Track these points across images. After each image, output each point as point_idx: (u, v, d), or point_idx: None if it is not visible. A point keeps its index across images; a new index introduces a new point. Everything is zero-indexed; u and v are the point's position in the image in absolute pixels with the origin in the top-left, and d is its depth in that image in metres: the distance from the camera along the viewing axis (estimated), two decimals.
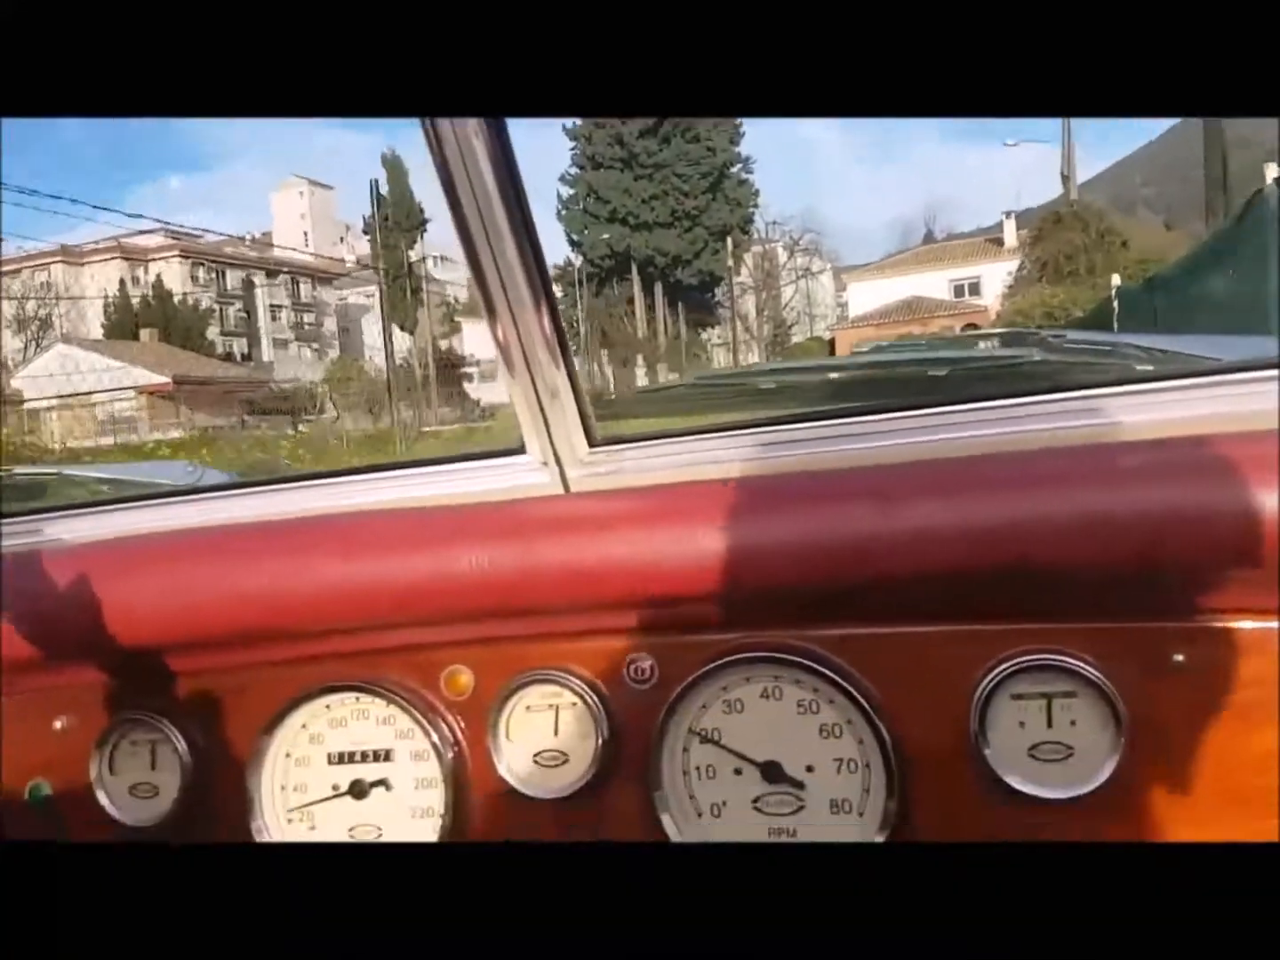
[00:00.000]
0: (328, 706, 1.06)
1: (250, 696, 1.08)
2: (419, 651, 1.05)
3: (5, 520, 1.20)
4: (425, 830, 1.04)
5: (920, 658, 0.93)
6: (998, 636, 0.91)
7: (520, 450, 1.16)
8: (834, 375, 1.18)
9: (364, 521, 1.07)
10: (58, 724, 1.12)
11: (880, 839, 0.92)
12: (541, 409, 1.11)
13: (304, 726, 1.07)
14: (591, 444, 1.14)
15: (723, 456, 1.09)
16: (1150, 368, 0.99)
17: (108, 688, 1.12)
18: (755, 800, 0.98)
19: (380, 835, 1.06)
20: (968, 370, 1.13)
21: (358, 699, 1.06)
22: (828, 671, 0.94)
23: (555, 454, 1.14)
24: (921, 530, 0.90)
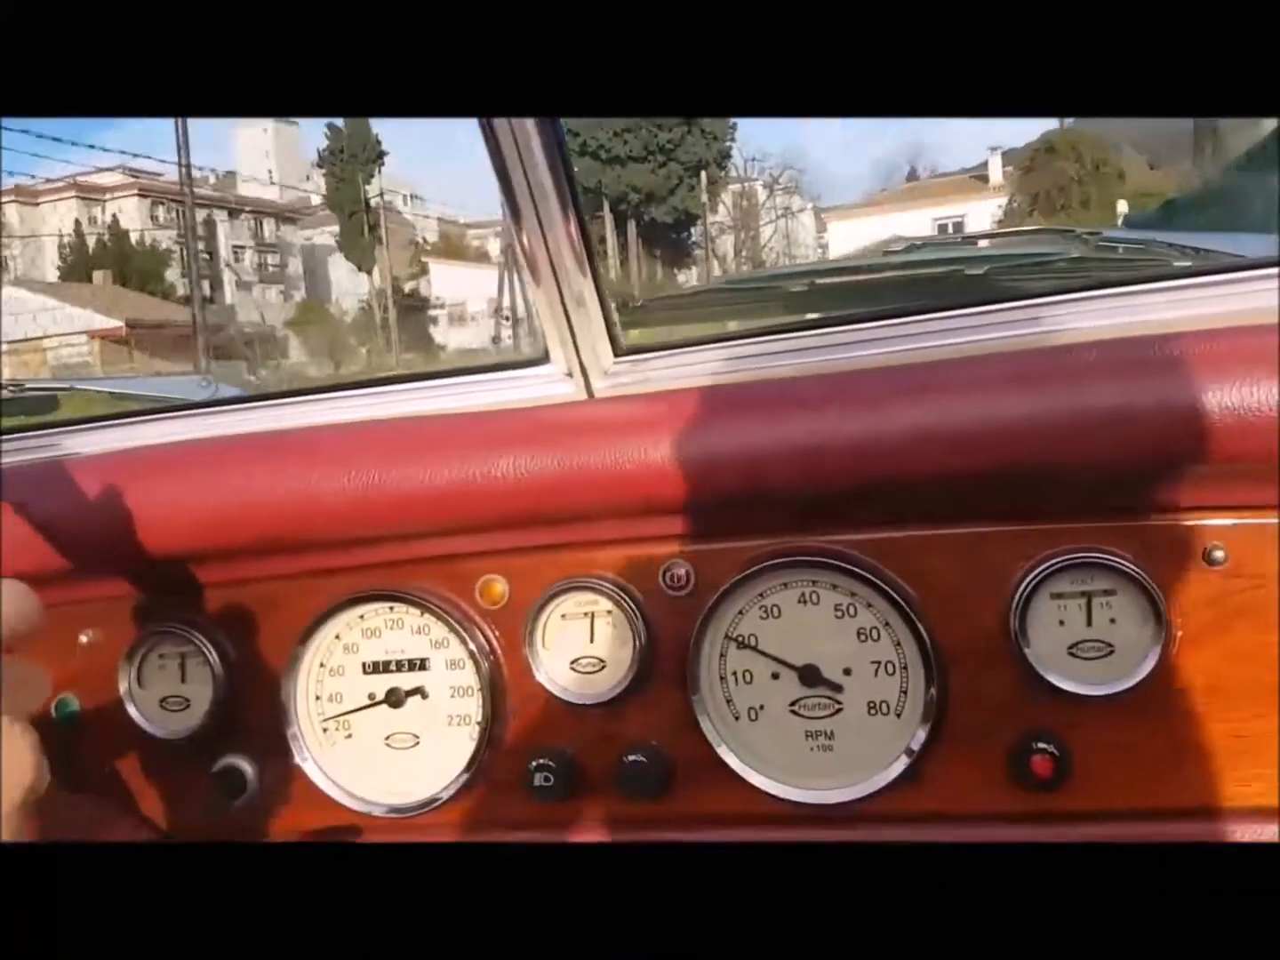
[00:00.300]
0: (361, 616, 1.06)
1: (282, 607, 1.08)
2: (453, 561, 1.05)
3: (22, 434, 1.18)
4: (462, 738, 1.04)
5: (959, 559, 0.94)
6: (1037, 536, 0.92)
7: (544, 360, 1.15)
8: (867, 276, 1.17)
9: (396, 428, 1.06)
10: (83, 638, 1.11)
11: (922, 732, 0.93)
12: (567, 317, 1.10)
13: (338, 637, 1.07)
14: (617, 353, 1.13)
15: (752, 364, 1.08)
16: (1188, 264, 0.99)
17: (134, 600, 1.11)
18: (793, 703, 0.99)
19: (417, 743, 1.06)
20: (1005, 268, 1.12)
21: (391, 609, 1.05)
22: (866, 574, 0.94)
23: (580, 364, 1.12)
24: (960, 428, 0.90)
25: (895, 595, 0.93)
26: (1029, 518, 0.92)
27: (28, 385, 1.35)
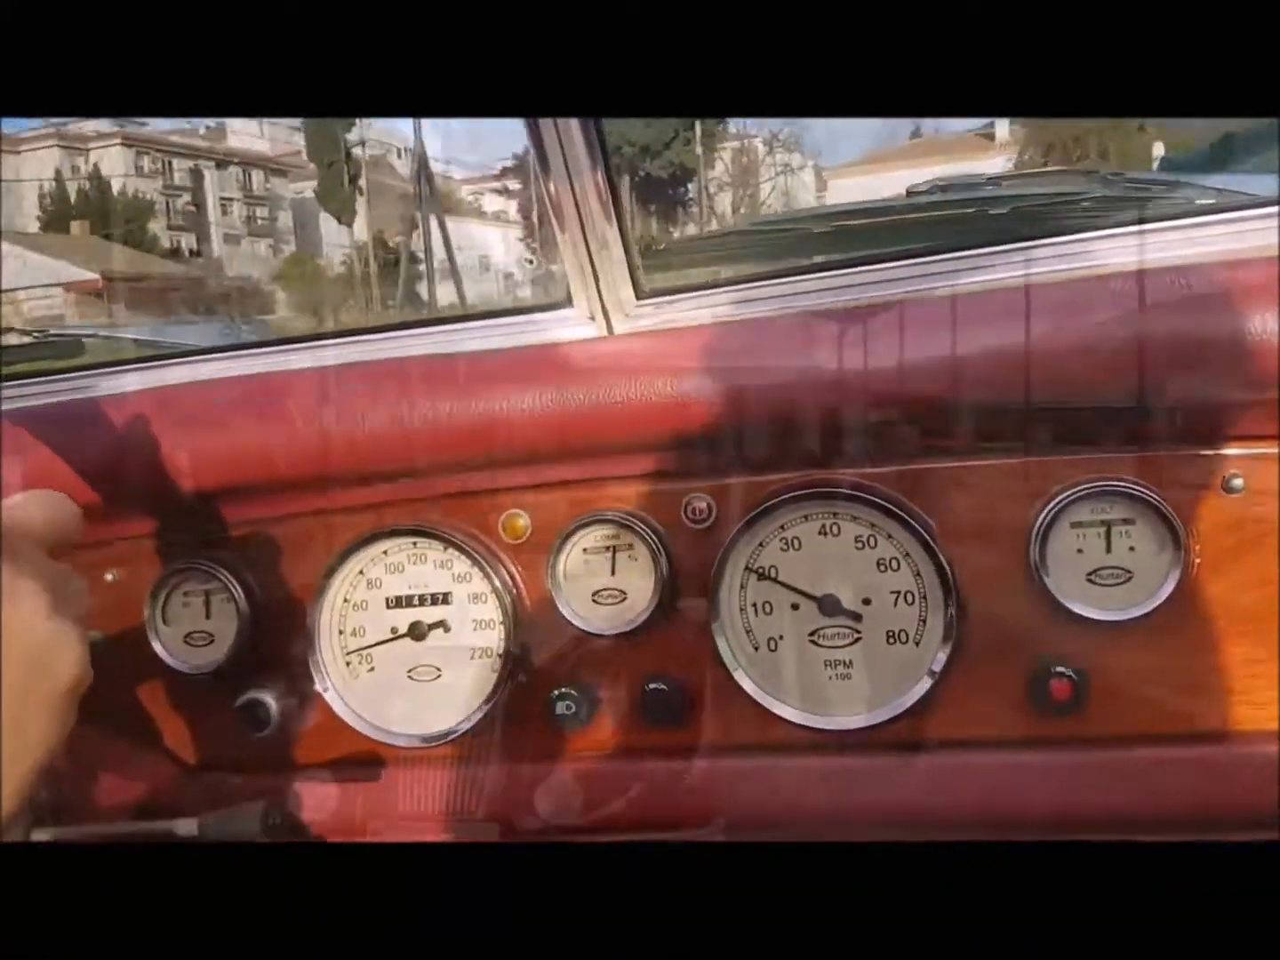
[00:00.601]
0: (385, 552, 1.07)
1: (306, 543, 1.09)
2: (476, 497, 1.05)
3: (51, 377, 1.18)
4: (484, 670, 1.06)
5: (979, 490, 0.95)
6: (1056, 465, 0.93)
7: (567, 303, 1.15)
8: (892, 218, 1.17)
9: (417, 365, 1.06)
10: (109, 576, 1.12)
11: (943, 654, 0.95)
12: (591, 261, 1.10)
13: (361, 572, 1.08)
14: (639, 296, 1.13)
15: (774, 306, 1.08)
16: (1211, 202, 0.99)
17: (158, 540, 1.11)
18: (812, 633, 1.00)
19: (439, 676, 1.08)
20: (1029, 208, 1.12)
21: (415, 544, 1.06)
22: (886, 505, 0.95)
23: (603, 306, 1.12)
24: (979, 360, 0.90)
25: (915, 525, 0.95)
26: (1048, 447, 0.93)
27: (52, 332, 1.34)
